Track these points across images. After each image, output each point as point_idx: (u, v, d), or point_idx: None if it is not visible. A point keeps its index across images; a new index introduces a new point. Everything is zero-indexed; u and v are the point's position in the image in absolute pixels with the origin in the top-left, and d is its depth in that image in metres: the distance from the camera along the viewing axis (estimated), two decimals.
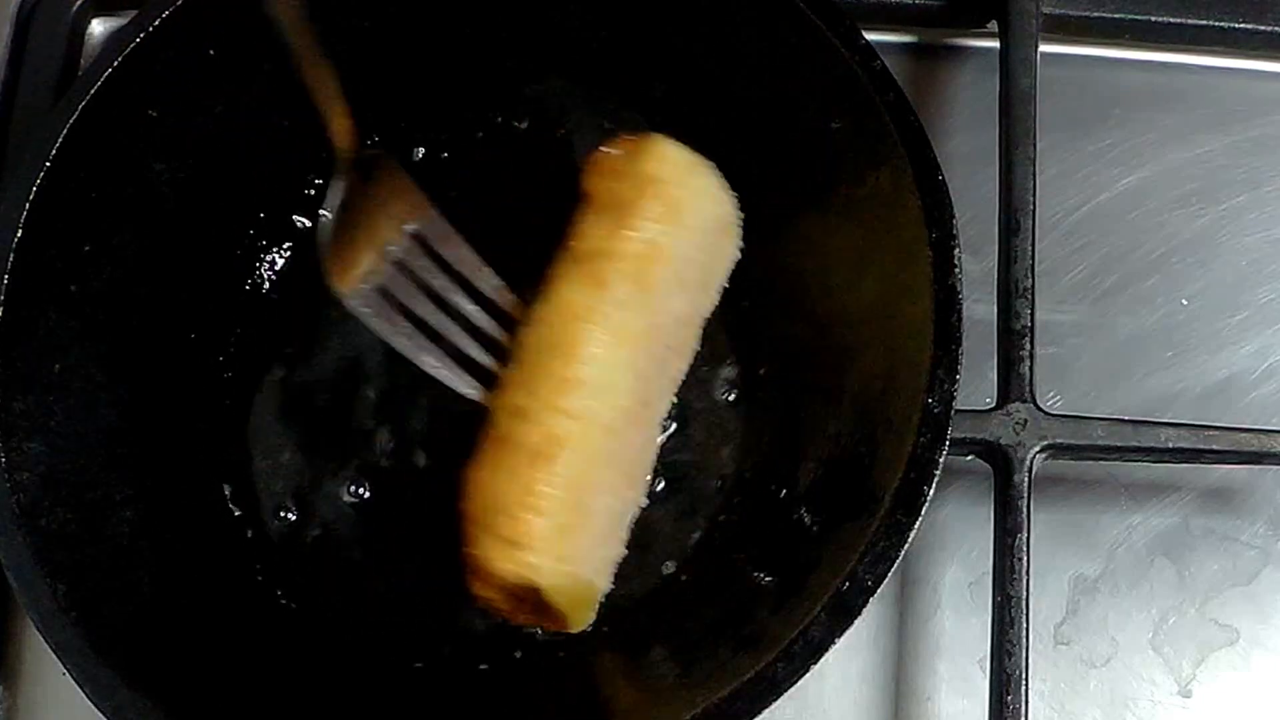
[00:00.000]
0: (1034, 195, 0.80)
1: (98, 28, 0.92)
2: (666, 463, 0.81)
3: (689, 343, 0.79)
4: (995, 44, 0.86)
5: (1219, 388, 0.86)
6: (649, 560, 0.80)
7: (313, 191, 0.85)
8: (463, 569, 0.72)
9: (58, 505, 0.70)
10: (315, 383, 0.84)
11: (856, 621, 0.66)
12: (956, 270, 0.70)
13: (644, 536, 0.80)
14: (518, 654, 0.78)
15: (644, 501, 0.78)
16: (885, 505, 0.67)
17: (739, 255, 0.80)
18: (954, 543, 0.83)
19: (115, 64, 0.73)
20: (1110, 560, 0.83)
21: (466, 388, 0.76)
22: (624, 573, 0.80)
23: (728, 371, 0.83)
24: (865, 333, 0.76)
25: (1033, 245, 0.79)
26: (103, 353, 0.76)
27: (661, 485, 0.81)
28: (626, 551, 0.76)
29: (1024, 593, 0.74)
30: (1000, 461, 0.76)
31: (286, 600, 0.80)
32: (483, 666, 0.79)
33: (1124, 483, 0.84)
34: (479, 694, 0.78)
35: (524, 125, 0.87)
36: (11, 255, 0.70)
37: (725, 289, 0.81)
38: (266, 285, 0.85)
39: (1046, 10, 0.87)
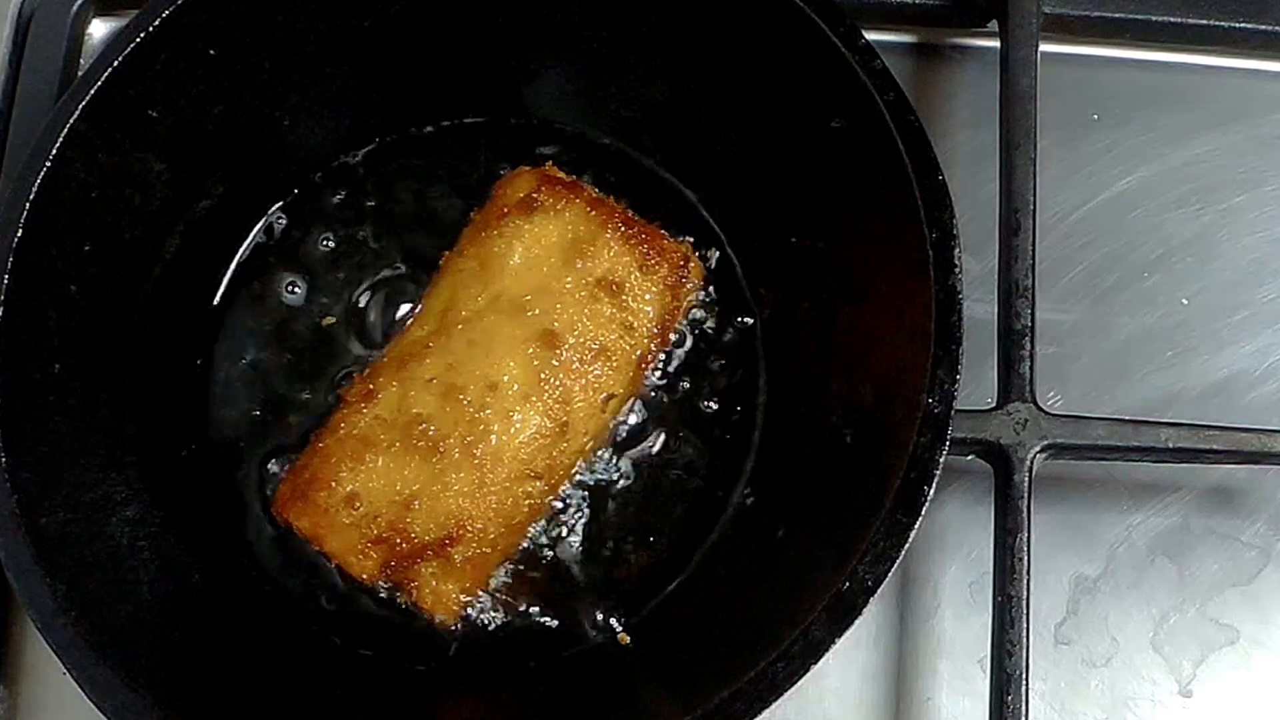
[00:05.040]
0: (1034, 195, 0.80)
1: (98, 28, 0.92)
2: (669, 470, 0.82)
3: None
4: (995, 44, 0.86)
5: (1219, 388, 0.86)
6: (653, 564, 0.81)
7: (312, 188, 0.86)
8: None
9: (58, 505, 0.70)
10: (313, 377, 0.84)
11: (856, 621, 0.66)
12: (956, 270, 0.70)
13: (649, 541, 0.81)
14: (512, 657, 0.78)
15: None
16: (885, 505, 0.67)
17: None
18: (954, 543, 0.83)
19: (115, 64, 0.73)
20: (1110, 560, 0.83)
21: None
22: (627, 577, 0.80)
23: (731, 381, 0.84)
24: (865, 333, 0.76)
25: (1033, 245, 0.79)
26: (103, 353, 0.76)
27: (668, 492, 0.82)
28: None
29: (1024, 593, 0.74)
30: (1000, 461, 0.76)
31: (287, 601, 0.80)
32: (484, 669, 0.79)
33: (1124, 483, 0.84)
34: (479, 698, 0.78)
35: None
36: (11, 255, 0.70)
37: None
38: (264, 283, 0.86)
39: (1046, 10, 0.87)
